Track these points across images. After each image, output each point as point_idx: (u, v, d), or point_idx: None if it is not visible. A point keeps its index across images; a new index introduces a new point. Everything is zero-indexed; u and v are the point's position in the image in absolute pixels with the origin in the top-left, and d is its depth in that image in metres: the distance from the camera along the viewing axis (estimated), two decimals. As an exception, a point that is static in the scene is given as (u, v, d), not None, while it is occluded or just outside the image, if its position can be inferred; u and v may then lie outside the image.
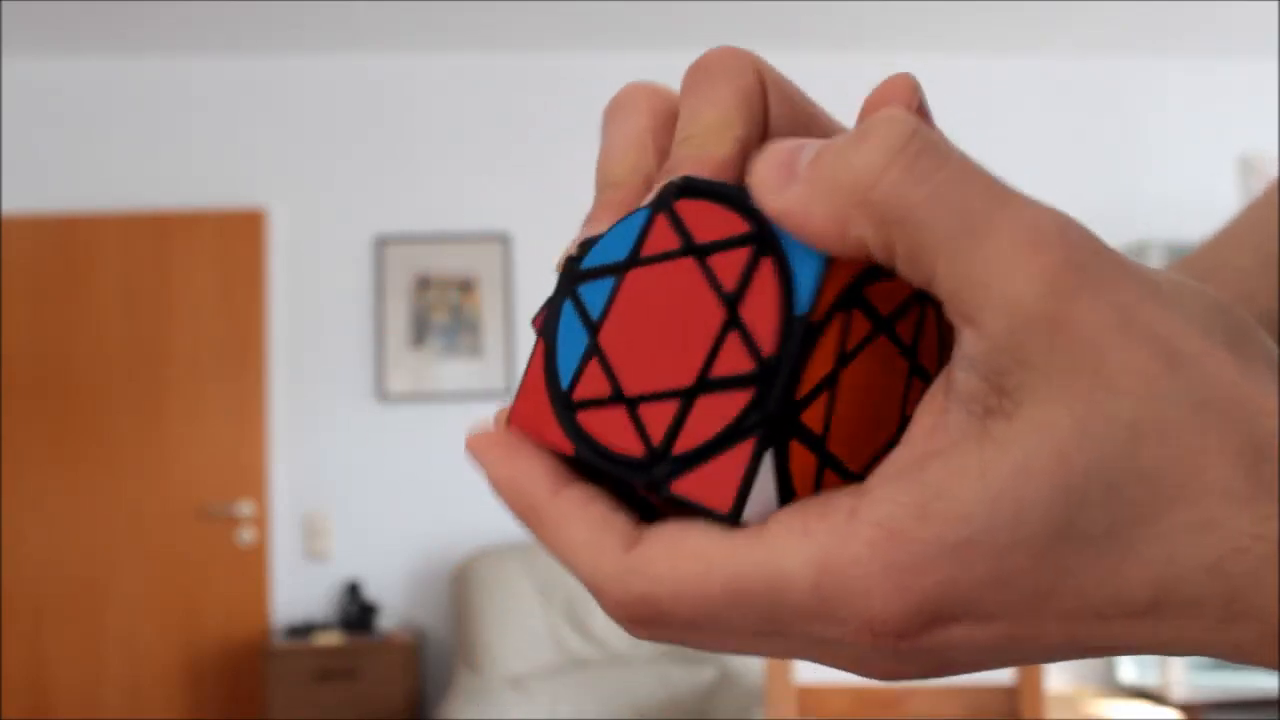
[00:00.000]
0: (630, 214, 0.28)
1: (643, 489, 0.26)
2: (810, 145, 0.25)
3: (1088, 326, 0.22)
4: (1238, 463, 0.22)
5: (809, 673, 2.48)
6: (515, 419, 0.29)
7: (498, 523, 4.01)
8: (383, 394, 4.11)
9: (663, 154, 0.30)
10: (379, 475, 4.08)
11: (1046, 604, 0.23)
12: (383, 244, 4.16)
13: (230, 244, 4.08)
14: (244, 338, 4.07)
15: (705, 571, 0.25)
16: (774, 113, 0.29)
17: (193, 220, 4.08)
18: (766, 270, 0.26)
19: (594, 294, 0.28)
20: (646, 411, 0.26)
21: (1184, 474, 0.22)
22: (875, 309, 0.27)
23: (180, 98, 4.16)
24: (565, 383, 0.28)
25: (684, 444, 0.26)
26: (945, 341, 0.28)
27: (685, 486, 0.26)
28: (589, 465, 0.27)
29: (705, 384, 0.26)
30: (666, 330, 0.27)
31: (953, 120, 4.36)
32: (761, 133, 0.29)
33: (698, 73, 0.29)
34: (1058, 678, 4.13)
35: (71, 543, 3.94)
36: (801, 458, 0.26)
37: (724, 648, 0.27)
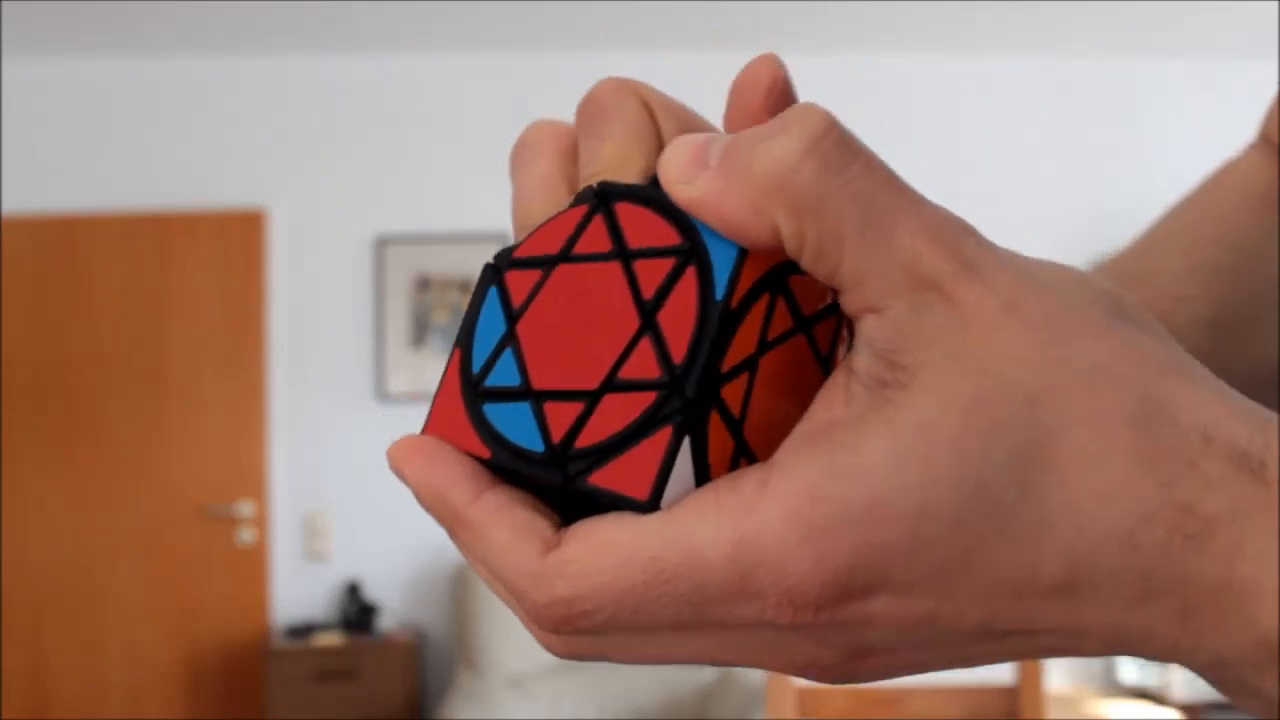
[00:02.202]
0: (569, 209, 0.28)
1: (557, 485, 0.26)
2: (718, 138, 0.26)
3: (981, 306, 0.23)
4: (1134, 427, 0.23)
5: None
6: (431, 426, 0.28)
7: (498, 523, 4.01)
8: (383, 394, 4.11)
9: (573, 189, 0.30)
10: (379, 475, 4.07)
11: (962, 577, 0.23)
12: (383, 244, 4.16)
13: (230, 244, 4.08)
14: (244, 338, 4.07)
15: (623, 560, 0.24)
16: (667, 134, 0.30)
17: (193, 220, 4.08)
18: (689, 280, 0.26)
19: (520, 284, 0.28)
20: (551, 409, 0.26)
21: (1082, 437, 0.23)
22: (797, 304, 0.27)
23: (180, 98, 4.16)
24: (477, 365, 0.28)
25: (585, 441, 0.25)
26: None
27: (602, 478, 0.25)
28: (506, 469, 0.27)
29: (611, 385, 0.26)
30: (582, 329, 0.27)
31: (953, 120, 4.36)
32: (659, 154, 0.29)
33: (588, 111, 0.30)
34: (1058, 678, 4.13)
35: (71, 543, 3.94)
36: (719, 439, 0.26)
37: (646, 653, 0.26)
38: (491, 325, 0.28)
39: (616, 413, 0.25)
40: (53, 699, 3.90)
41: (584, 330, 0.27)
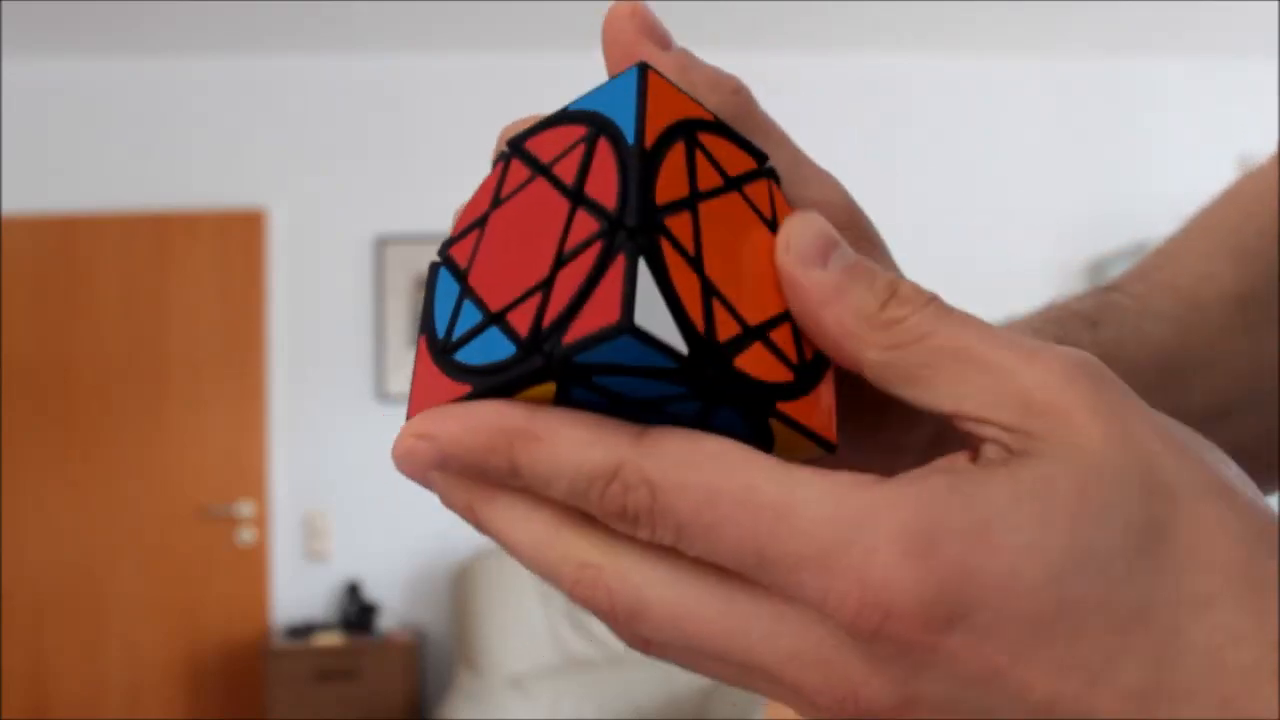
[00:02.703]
0: (487, 176, 0.29)
1: (542, 367, 0.25)
2: (845, 248, 0.27)
3: (1096, 406, 0.23)
4: (1241, 545, 0.22)
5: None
6: (413, 411, 0.27)
7: (498, 523, 4.01)
8: (383, 394, 4.11)
9: None
10: (379, 475, 4.06)
11: (1045, 640, 0.22)
12: (383, 244, 4.16)
13: (230, 244, 4.08)
14: (244, 338, 4.07)
15: (723, 469, 0.23)
16: None
17: (193, 220, 4.08)
18: (603, 148, 0.26)
19: (462, 251, 0.29)
20: (515, 316, 0.26)
21: (1191, 539, 0.22)
22: (718, 162, 0.27)
23: (180, 98, 4.16)
24: (440, 333, 0.28)
25: (552, 313, 0.25)
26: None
27: (575, 333, 0.24)
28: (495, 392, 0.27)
29: (560, 261, 0.25)
30: (523, 244, 0.27)
31: (954, 120, 4.36)
32: None
33: None
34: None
35: (71, 543, 3.94)
36: (681, 271, 0.25)
37: (683, 620, 0.24)
38: (446, 295, 0.28)
39: (571, 279, 0.25)
40: (53, 699, 3.90)
41: (524, 244, 0.27)
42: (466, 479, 0.26)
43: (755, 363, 0.25)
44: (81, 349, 4.01)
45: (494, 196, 0.29)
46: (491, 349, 0.26)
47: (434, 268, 0.29)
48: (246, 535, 4.02)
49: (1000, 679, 0.22)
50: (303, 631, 3.85)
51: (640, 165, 0.25)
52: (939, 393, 0.25)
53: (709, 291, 0.25)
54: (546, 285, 0.25)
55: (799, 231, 0.26)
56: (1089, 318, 0.44)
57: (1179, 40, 4.27)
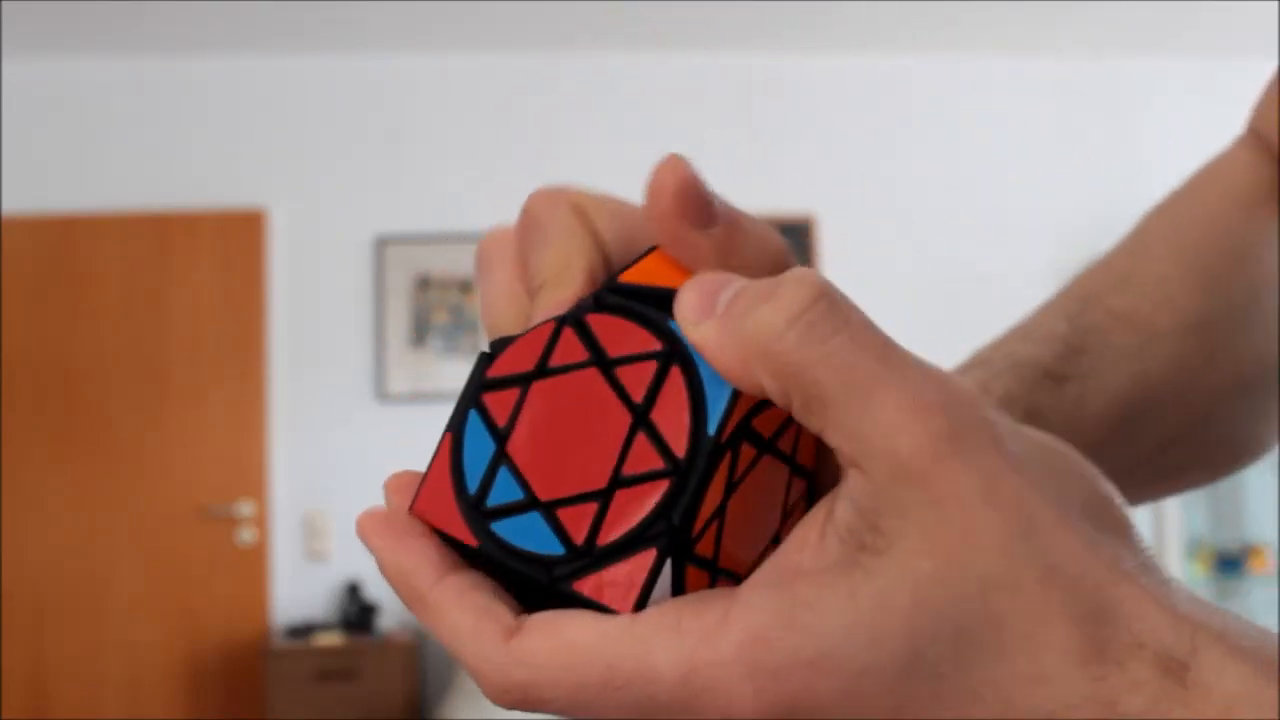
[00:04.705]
0: (537, 326, 0.30)
1: (542, 584, 0.27)
2: (732, 285, 0.27)
3: (957, 488, 0.25)
4: (1077, 624, 0.24)
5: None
6: (419, 508, 0.29)
7: (498, 523, 4.01)
8: (383, 394, 4.11)
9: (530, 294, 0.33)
10: (379, 475, 4.00)
11: None
12: (383, 244, 4.16)
13: (230, 244, 4.08)
14: (244, 338, 4.07)
15: (582, 661, 0.26)
16: (604, 229, 0.31)
17: (193, 220, 4.08)
18: (675, 380, 0.27)
19: (499, 404, 0.29)
20: (565, 514, 0.27)
21: (1027, 627, 0.24)
22: (760, 435, 0.28)
23: (180, 98, 4.16)
24: (472, 488, 0.29)
25: (605, 538, 0.27)
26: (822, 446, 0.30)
27: (588, 587, 0.27)
28: (481, 557, 0.28)
29: (618, 480, 0.27)
30: (575, 438, 0.28)
31: (953, 120, 4.36)
32: (602, 252, 0.31)
33: (525, 225, 0.32)
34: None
35: (71, 543, 3.94)
36: (696, 574, 0.27)
37: None
38: (479, 445, 0.29)
39: (628, 508, 0.27)
40: (53, 699, 3.90)
41: (576, 437, 0.28)
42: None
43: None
44: (81, 349, 4.02)
45: (540, 361, 0.29)
46: (536, 538, 0.27)
47: (467, 397, 0.30)
48: (246, 535, 4.02)
49: None
50: (303, 631, 3.85)
51: (708, 458, 0.27)
52: (825, 420, 0.26)
53: (715, 577, 0.28)
54: (604, 499, 0.27)
55: (685, 301, 0.27)
56: (1053, 372, 0.48)
57: (1179, 40, 4.27)
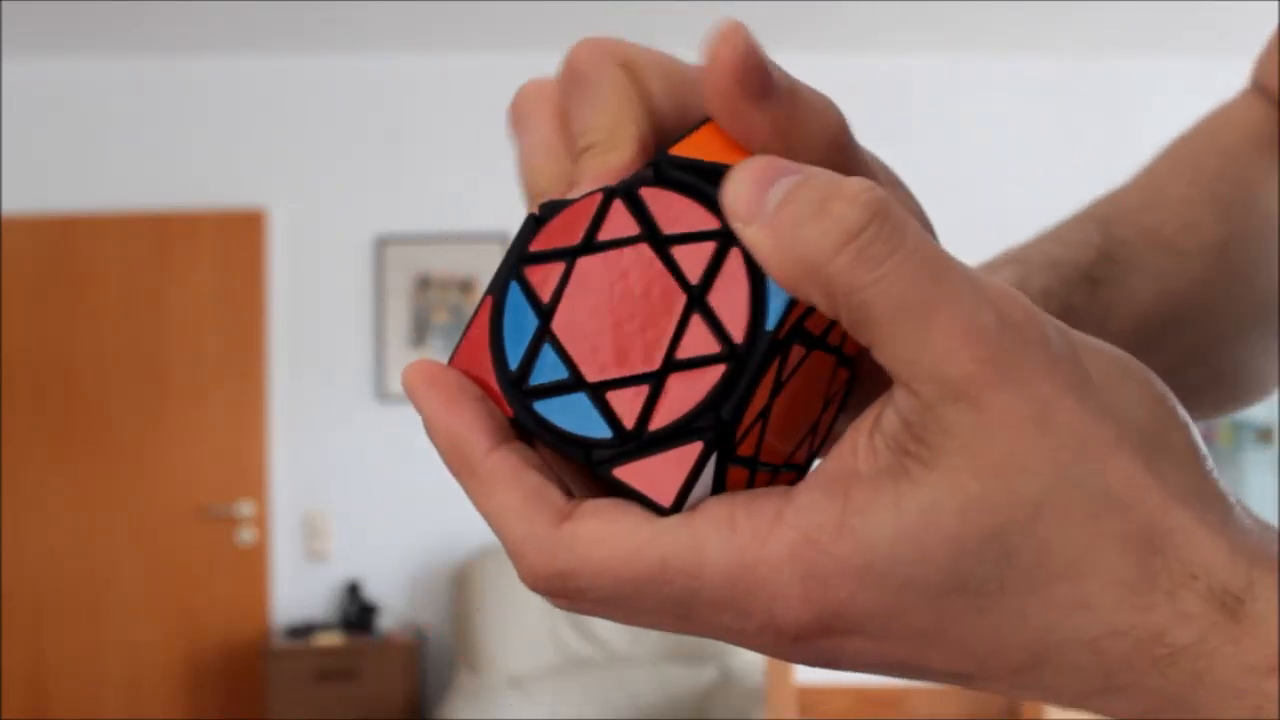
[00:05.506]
0: (584, 196, 0.28)
1: (580, 466, 0.26)
2: (784, 179, 0.25)
3: (1008, 414, 0.24)
4: (1127, 553, 0.24)
5: (809, 673, 2.48)
6: (458, 362, 0.28)
7: (498, 523, 4.01)
8: (383, 394, 4.11)
9: (572, 152, 0.30)
10: (379, 475, 4.08)
11: (934, 640, 0.25)
12: (383, 244, 4.16)
13: (230, 244, 4.08)
14: (244, 338, 4.07)
15: (633, 552, 0.25)
16: (656, 90, 0.29)
17: (193, 220, 4.08)
18: (735, 263, 0.26)
19: (543, 278, 0.28)
20: (614, 397, 0.26)
21: (1075, 553, 0.24)
22: (810, 333, 0.27)
23: (180, 98, 4.16)
24: (514, 364, 0.27)
25: (657, 423, 0.26)
26: None
27: (629, 474, 0.26)
28: (526, 428, 0.27)
29: (672, 365, 0.26)
30: (623, 317, 0.27)
31: (953, 120, 4.36)
32: (653, 116, 0.29)
33: (570, 80, 0.30)
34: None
35: (71, 543, 3.94)
36: (736, 470, 0.27)
37: (630, 623, 0.28)
38: (520, 319, 0.28)
39: (681, 394, 0.26)
40: (53, 699, 3.90)
41: (625, 315, 0.27)
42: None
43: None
44: (81, 349, 4.01)
45: (588, 234, 0.27)
46: (581, 420, 0.26)
47: (506, 270, 0.28)
48: (246, 535, 4.02)
49: (900, 661, 0.26)
50: (303, 631, 3.85)
51: (765, 354, 0.26)
52: (875, 340, 0.25)
53: (754, 472, 0.27)
54: (656, 382, 0.26)
55: (734, 192, 0.26)
56: (1090, 275, 0.47)
57: (1179, 40, 4.27)
